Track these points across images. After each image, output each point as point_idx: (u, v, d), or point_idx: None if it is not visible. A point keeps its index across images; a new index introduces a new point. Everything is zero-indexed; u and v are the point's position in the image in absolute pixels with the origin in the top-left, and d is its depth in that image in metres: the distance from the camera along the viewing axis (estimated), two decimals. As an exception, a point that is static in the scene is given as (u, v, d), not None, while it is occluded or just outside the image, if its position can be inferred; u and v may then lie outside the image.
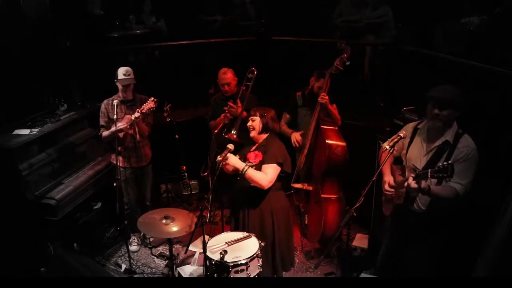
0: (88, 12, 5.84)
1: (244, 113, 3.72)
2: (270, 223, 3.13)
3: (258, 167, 3.06)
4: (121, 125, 3.72)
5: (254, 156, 3.14)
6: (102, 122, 3.97)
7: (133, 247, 4.28)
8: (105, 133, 3.91)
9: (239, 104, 3.89)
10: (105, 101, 3.96)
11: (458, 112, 2.61)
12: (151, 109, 3.68)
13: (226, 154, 2.95)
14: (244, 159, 3.17)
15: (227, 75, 4.04)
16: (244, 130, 3.36)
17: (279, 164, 3.06)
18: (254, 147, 3.22)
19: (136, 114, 3.65)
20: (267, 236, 3.12)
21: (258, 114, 3.17)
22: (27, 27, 4.24)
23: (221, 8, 6.69)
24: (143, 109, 3.66)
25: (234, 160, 3.03)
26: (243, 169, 2.99)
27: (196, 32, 6.35)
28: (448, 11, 4.69)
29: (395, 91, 4.81)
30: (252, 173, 3.00)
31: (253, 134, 3.19)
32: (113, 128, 3.69)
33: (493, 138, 3.21)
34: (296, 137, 4.01)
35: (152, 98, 3.68)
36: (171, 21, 6.48)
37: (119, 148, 3.85)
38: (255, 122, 3.17)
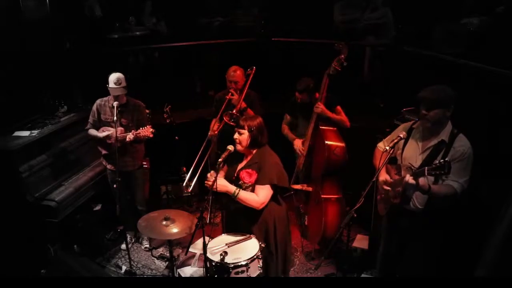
0: (88, 13, 5.86)
1: (243, 104, 3.87)
2: (273, 231, 3.06)
3: (253, 187, 2.95)
4: (107, 134, 3.72)
5: (248, 175, 2.95)
6: (90, 120, 3.94)
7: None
8: (92, 132, 3.89)
9: (238, 93, 3.96)
10: (98, 101, 3.91)
11: (449, 112, 2.59)
12: (146, 137, 3.62)
13: (221, 163, 2.83)
14: (236, 176, 3.01)
15: (237, 73, 4.03)
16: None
17: (273, 186, 2.93)
18: (244, 163, 3.03)
19: (131, 136, 3.61)
20: (271, 241, 3.05)
21: (246, 127, 2.91)
22: (27, 29, 4.25)
23: (221, 9, 6.71)
24: (138, 133, 3.59)
25: (223, 185, 2.88)
26: (234, 192, 2.88)
27: (196, 33, 6.37)
28: (447, 12, 4.70)
29: (395, 92, 4.82)
30: (244, 196, 2.88)
31: (239, 148, 2.96)
32: (100, 134, 3.75)
33: (493, 138, 3.21)
34: (298, 145, 4.01)
35: (152, 130, 3.60)
36: (172, 22, 6.49)
37: (105, 151, 3.91)
38: (243, 136, 2.92)
